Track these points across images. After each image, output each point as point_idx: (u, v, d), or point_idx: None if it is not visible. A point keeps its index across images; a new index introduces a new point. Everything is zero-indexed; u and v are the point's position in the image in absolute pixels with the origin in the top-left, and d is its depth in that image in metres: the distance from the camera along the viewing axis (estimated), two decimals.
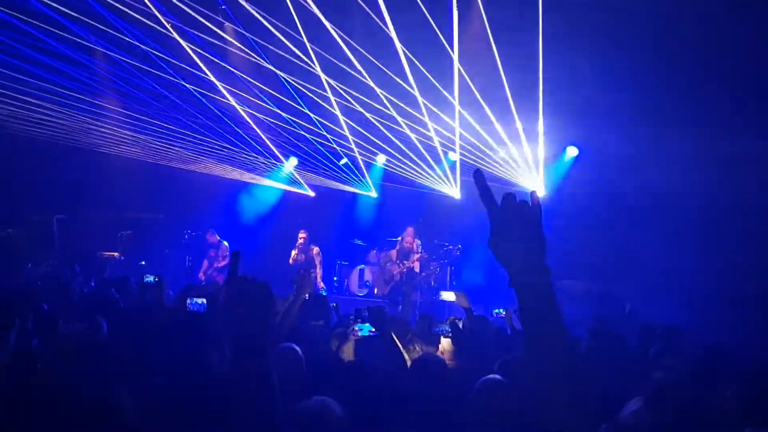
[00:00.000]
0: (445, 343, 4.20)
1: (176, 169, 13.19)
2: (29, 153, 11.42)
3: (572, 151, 11.86)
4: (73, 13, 8.75)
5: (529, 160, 11.38)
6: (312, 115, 11.36)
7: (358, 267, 12.53)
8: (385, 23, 9.01)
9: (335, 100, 10.77)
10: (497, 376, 2.90)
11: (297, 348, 3.16)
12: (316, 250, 11.73)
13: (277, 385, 1.95)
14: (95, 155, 12.15)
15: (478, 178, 1.48)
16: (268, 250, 13.16)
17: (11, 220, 12.10)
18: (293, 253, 11.69)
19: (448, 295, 5.71)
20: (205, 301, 3.80)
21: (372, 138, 11.94)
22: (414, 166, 12.29)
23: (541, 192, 11.62)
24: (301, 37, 9.51)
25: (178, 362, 2.76)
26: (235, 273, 1.85)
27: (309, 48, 9.64)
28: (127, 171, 12.74)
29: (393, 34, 9.21)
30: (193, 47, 9.91)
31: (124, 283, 6.31)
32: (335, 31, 9.27)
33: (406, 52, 9.60)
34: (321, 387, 2.74)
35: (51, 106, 10.51)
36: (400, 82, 10.00)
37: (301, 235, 11.70)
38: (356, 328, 4.14)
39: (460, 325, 4.35)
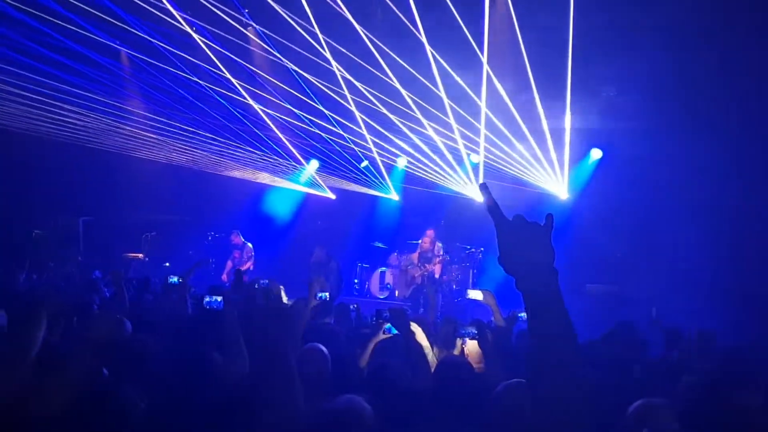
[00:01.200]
0: (471, 346, 4.11)
1: (200, 171, 13.30)
2: (56, 156, 11.58)
3: (596, 153, 11.73)
4: (100, 14, 8.86)
5: (555, 162, 11.26)
6: (333, 115, 11.34)
7: (379, 269, 12.48)
8: (415, 24, 8.99)
9: (355, 100, 10.74)
10: (521, 380, 2.84)
11: (323, 348, 3.14)
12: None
13: (300, 388, 1.92)
14: (120, 158, 12.29)
15: (485, 192, 1.48)
16: (288, 253, 13.20)
17: (38, 221, 12.30)
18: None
19: (475, 294, 5.62)
20: (221, 298, 3.73)
21: (394, 139, 11.91)
22: (436, 168, 12.21)
23: (565, 194, 11.51)
24: (325, 38, 9.51)
25: (192, 361, 2.74)
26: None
27: (324, 45, 9.61)
28: (151, 173, 12.88)
29: (423, 37, 9.17)
30: (218, 49, 9.99)
31: (145, 284, 6.35)
32: (363, 32, 9.25)
33: (434, 53, 9.56)
34: (342, 387, 2.71)
35: (77, 110, 10.65)
36: (426, 82, 9.95)
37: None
38: (386, 329, 4.10)
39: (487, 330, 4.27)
